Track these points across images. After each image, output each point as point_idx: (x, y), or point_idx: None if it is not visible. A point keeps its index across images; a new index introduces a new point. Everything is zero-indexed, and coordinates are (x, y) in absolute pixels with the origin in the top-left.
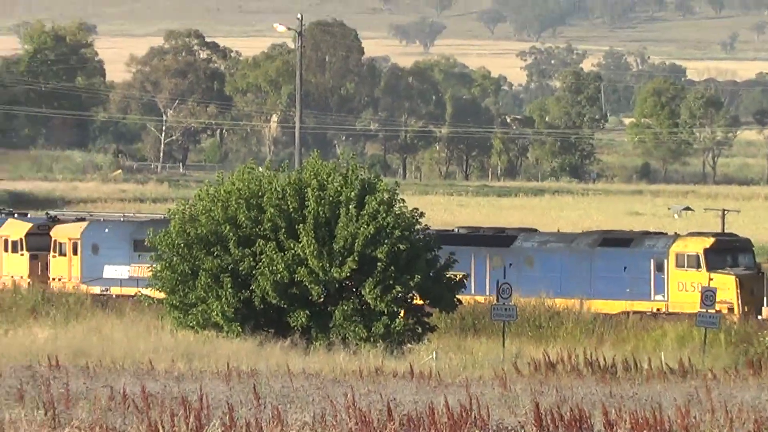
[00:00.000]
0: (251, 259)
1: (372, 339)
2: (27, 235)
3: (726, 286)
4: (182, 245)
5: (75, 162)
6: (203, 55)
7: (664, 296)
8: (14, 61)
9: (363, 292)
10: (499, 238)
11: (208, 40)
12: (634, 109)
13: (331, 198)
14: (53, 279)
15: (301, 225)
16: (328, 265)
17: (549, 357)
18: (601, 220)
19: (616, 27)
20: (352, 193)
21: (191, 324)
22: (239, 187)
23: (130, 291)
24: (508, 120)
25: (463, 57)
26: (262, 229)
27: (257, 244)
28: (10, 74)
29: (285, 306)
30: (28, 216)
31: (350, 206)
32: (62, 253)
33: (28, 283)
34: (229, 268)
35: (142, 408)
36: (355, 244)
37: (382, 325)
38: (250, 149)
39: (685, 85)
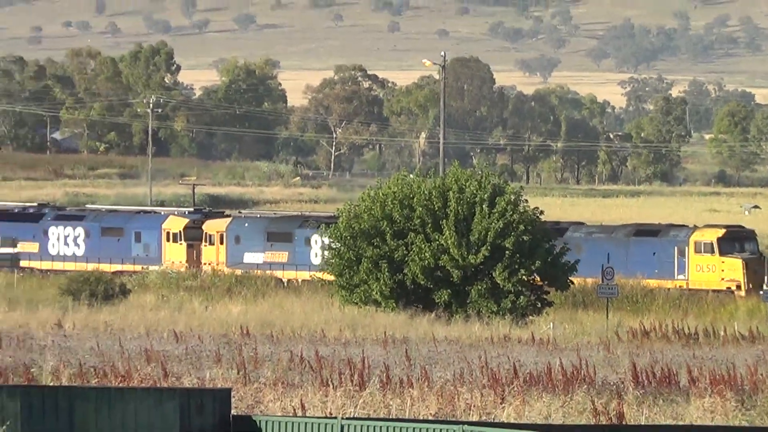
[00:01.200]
0: (404, 249)
1: (501, 312)
2: (185, 228)
3: (734, 267)
4: (349, 237)
5: (262, 171)
6: (366, 84)
7: (685, 276)
8: (214, 90)
9: (494, 275)
10: (554, 230)
11: (369, 73)
12: (712, 126)
13: (468, 199)
14: (204, 264)
15: (444, 221)
16: (466, 252)
17: (644, 326)
18: (686, 216)
19: (698, 61)
20: (485, 195)
21: (355, 301)
22: (394, 191)
23: (266, 273)
24: (611, 136)
25: (575, 86)
26: (412, 224)
27: (409, 237)
28: (210, 100)
29: (431, 286)
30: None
31: (484, 205)
32: (211, 243)
33: (186, 267)
34: (386, 255)
35: (315, 368)
36: (488, 236)
37: (509, 301)
38: (403, 160)
39: (754, 108)
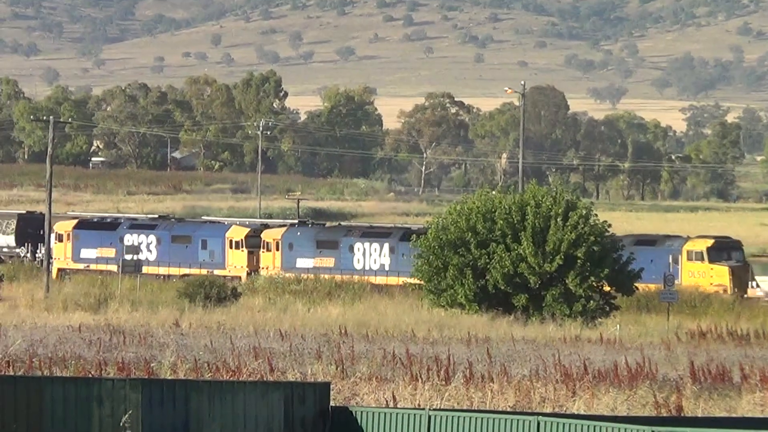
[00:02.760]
0: (486, 257)
1: (573, 315)
2: (246, 236)
3: (722, 274)
4: (437, 247)
5: (359, 187)
6: (453, 110)
7: (678, 281)
8: (317, 114)
9: (567, 281)
10: None
11: (457, 99)
12: (764, 149)
13: (544, 213)
14: (262, 268)
15: (522, 232)
16: (542, 261)
17: (701, 328)
18: (739, 230)
19: (751, 90)
20: (560, 210)
21: (442, 304)
22: (478, 205)
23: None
24: (673, 157)
25: (640, 112)
26: (494, 235)
27: (490, 246)
28: (314, 124)
29: (510, 291)
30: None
31: (558, 219)
32: (269, 250)
33: (247, 272)
34: (470, 263)
35: (406, 364)
36: (562, 247)
37: (581, 305)
38: (486, 178)
39: None
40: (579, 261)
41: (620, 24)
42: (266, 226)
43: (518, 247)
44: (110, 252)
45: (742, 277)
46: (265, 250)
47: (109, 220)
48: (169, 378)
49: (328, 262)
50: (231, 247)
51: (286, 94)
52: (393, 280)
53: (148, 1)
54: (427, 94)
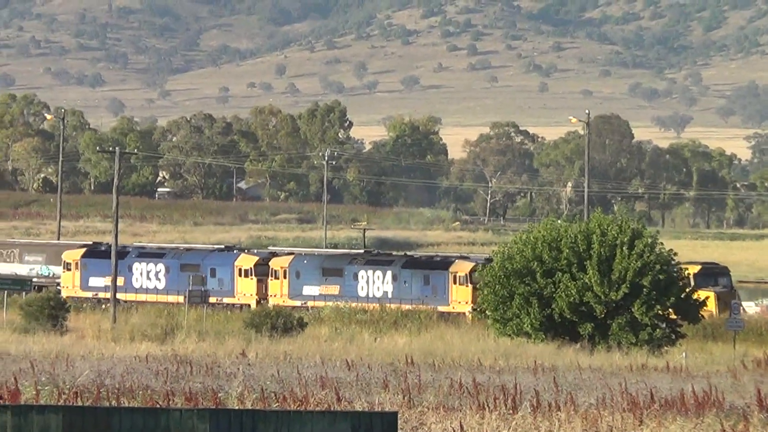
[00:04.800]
0: (552, 286)
1: (639, 343)
2: (255, 265)
3: (708, 299)
4: (502, 276)
5: (425, 216)
6: (518, 139)
7: None
8: (382, 144)
9: (633, 310)
10: None
11: (521, 128)
12: None
13: (610, 242)
14: (270, 296)
15: (588, 261)
16: (607, 290)
17: (767, 356)
18: None
19: None
20: (625, 238)
21: (508, 333)
22: (544, 234)
23: (320, 304)
24: (738, 185)
25: (705, 140)
26: (560, 264)
27: (556, 275)
28: (379, 153)
29: (576, 320)
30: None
31: (624, 247)
32: (276, 277)
33: (257, 300)
34: (536, 292)
35: (473, 393)
36: (627, 275)
37: (647, 333)
38: (552, 207)
39: None
40: (645, 289)
41: (684, 52)
42: (274, 255)
43: (584, 276)
44: (119, 280)
45: (728, 303)
46: (273, 278)
47: (117, 249)
48: (237, 408)
49: (333, 289)
50: (240, 275)
51: (351, 124)
52: (395, 308)
53: (213, 31)
54: (492, 123)
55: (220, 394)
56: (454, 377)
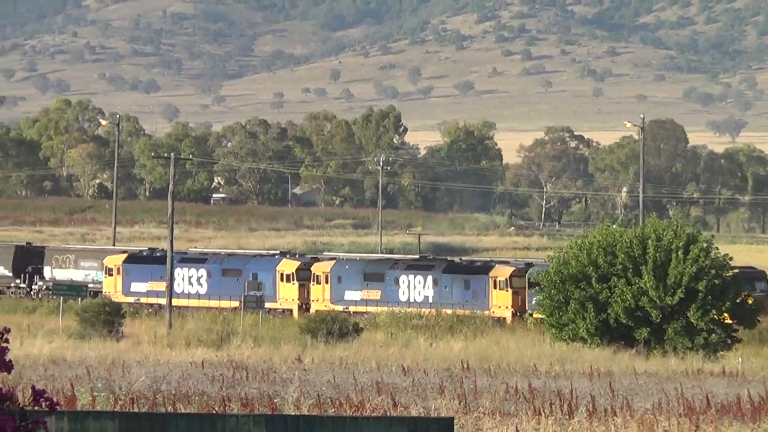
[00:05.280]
0: (607, 291)
1: (695, 348)
2: (297, 270)
3: None
4: (558, 281)
5: (480, 222)
6: (573, 144)
7: None
8: (437, 149)
9: (688, 315)
10: None
11: (576, 133)
12: None
13: (665, 246)
14: (312, 300)
15: (643, 266)
16: (663, 294)
17: None
18: None
19: None
20: (681, 243)
21: (564, 338)
22: (599, 239)
23: (362, 309)
24: None
25: (760, 144)
26: (615, 269)
27: (612, 280)
28: (434, 158)
29: (632, 324)
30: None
31: (679, 252)
32: (318, 282)
33: (298, 305)
34: (592, 297)
35: (529, 398)
36: (683, 280)
37: (702, 338)
38: (607, 212)
39: None
40: (700, 294)
41: (739, 57)
42: (316, 260)
43: (639, 281)
44: (160, 286)
45: (766, 306)
46: (315, 283)
47: (158, 254)
48: (293, 414)
49: (375, 294)
50: (282, 280)
51: (405, 129)
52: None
53: (267, 37)
54: (547, 128)
55: (276, 400)
56: (510, 382)
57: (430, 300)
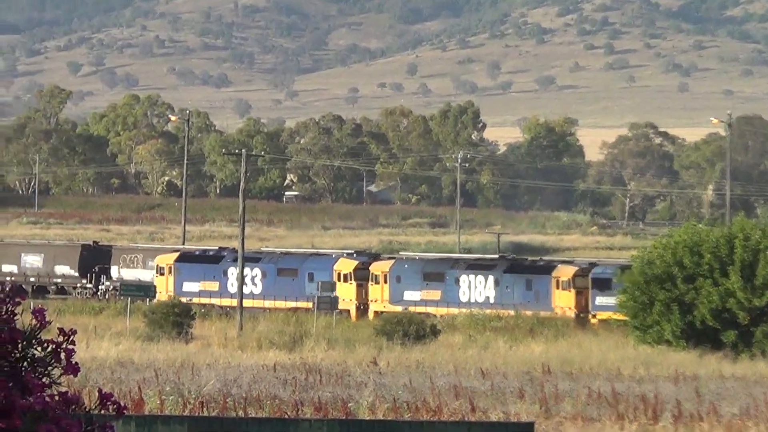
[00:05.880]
0: (693, 292)
1: None
2: (354, 269)
3: None
4: (642, 282)
5: (561, 220)
6: (657, 141)
7: None
8: (517, 146)
9: None
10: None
11: (661, 130)
12: None
13: (753, 246)
14: (371, 301)
15: (730, 266)
16: (751, 296)
17: None
18: None
19: None
20: None
21: (648, 341)
22: (684, 239)
23: (421, 309)
24: None
25: None
26: (701, 269)
27: (697, 281)
28: (514, 155)
29: (719, 327)
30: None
31: (767, 252)
32: (377, 282)
33: (356, 306)
34: (677, 298)
35: (612, 403)
36: None
37: None
38: (692, 210)
39: None
40: None
41: None
42: (375, 259)
43: (726, 282)
44: (213, 285)
45: None
46: (373, 283)
47: (211, 253)
48: (368, 419)
49: (435, 294)
50: (339, 280)
51: (484, 126)
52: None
53: (342, 30)
54: (630, 125)
55: (350, 404)
56: (593, 386)
57: (491, 300)
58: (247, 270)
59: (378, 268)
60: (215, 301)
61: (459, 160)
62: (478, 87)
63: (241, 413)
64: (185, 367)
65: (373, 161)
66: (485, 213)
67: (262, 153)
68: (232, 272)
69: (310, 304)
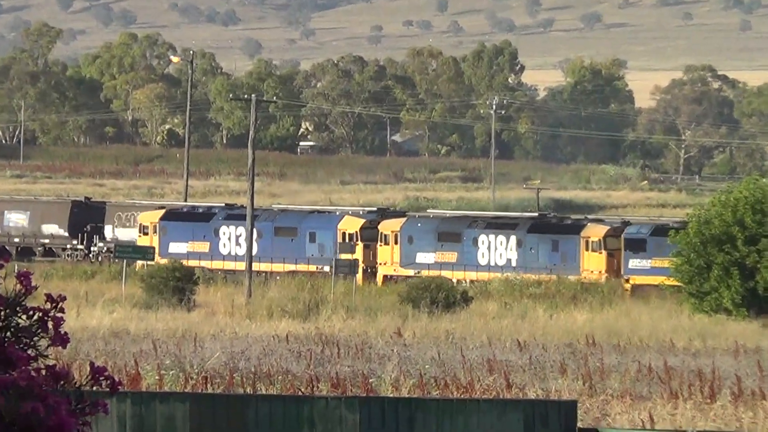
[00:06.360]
0: (756, 255)
1: None
2: (361, 228)
3: None
4: (698, 243)
5: (608, 174)
6: (715, 85)
7: None
8: (558, 90)
9: None
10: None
11: (719, 73)
12: None
13: None
14: (379, 263)
15: None
16: None
17: None
18: None
19: None
20: None
21: (705, 309)
22: (746, 195)
23: (435, 273)
24: None
25: None
26: (764, 229)
27: (761, 242)
28: (555, 102)
29: None
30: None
31: None
32: (386, 243)
33: (363, 269)
34: (737, 262)
35: (664, 379)
36: None
37: None
38: (755, 163)
39: None
40: None
41: None
42: (383, 216)
43: None
44: (203, 246)
45: None
46: (382, 244)
47: (201, 210)
48: (391, 396)
49: (451, 256)
50: (344, 241)
51: (522, 68)
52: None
53: None
54: (686, 67)
55: (371, 380)
56: (643, 360)
57: (513, 263)
58: (241, 229)
59: (388, 227)
60: (205, 263)
61: (494, 107)
62: (515, 25)
63: (249, 390)
64: (187, 338)
65: (397, 108)
66: (523, 166)
67: (274, 98)
68: (224, 232)
69: (311, 267)
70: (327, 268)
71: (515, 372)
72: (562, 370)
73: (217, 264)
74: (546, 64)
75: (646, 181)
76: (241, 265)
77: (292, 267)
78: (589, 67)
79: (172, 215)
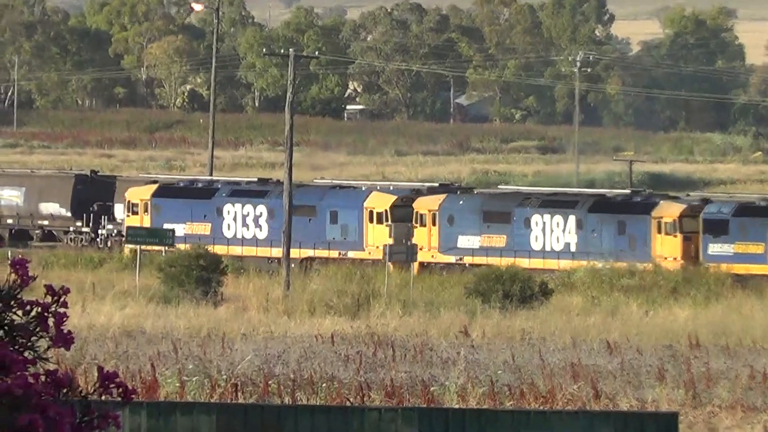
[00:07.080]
0: None
1: None
2: (392, 206)
3: None
4: None
5: (715, 144)
6: None
7: None
8: (655, 45)
9: None
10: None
11: None
12: None
13: None
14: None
15: None
16: None
17: None
18: None
19: None
20: None
21: None
22: None
23: (481, 260)
24: None
25: None
26: None
27: None
28: (651, 58)
29: None
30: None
31: None
32: (423, 224)
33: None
34: None
35: None
36: None
37: None
38: None
39: None
40: None
41: None
42: (419, 193)
43: None
44: (204, 228)
45: None
46: (418, 225)
47: (201, 185)
48: (456, 407)
49: (499, 240)
50: (371, 221)
51: (612, 18)
52: (579, 265)
53: None
54: None
55: (433, 388)
56: (756, 365)
57: (572, 248)
58: (248, 208)
59: (424, 205)
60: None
61: (578, 64)
62: None
63: (287, 400)
64: (213, 339)
65: (463, 65)
66: (613, 134)
67: (316, 53)
68: (229, 210)
69: (333, 253)
70: (351, 254)
71: (604, 379)
72: (661, 376)
73: (219, 249)
74: (640, 14)
75: (759, 152)
76: (249, 251)
77: (309, 252)
78: (691, 17)
79: (166, 191)
